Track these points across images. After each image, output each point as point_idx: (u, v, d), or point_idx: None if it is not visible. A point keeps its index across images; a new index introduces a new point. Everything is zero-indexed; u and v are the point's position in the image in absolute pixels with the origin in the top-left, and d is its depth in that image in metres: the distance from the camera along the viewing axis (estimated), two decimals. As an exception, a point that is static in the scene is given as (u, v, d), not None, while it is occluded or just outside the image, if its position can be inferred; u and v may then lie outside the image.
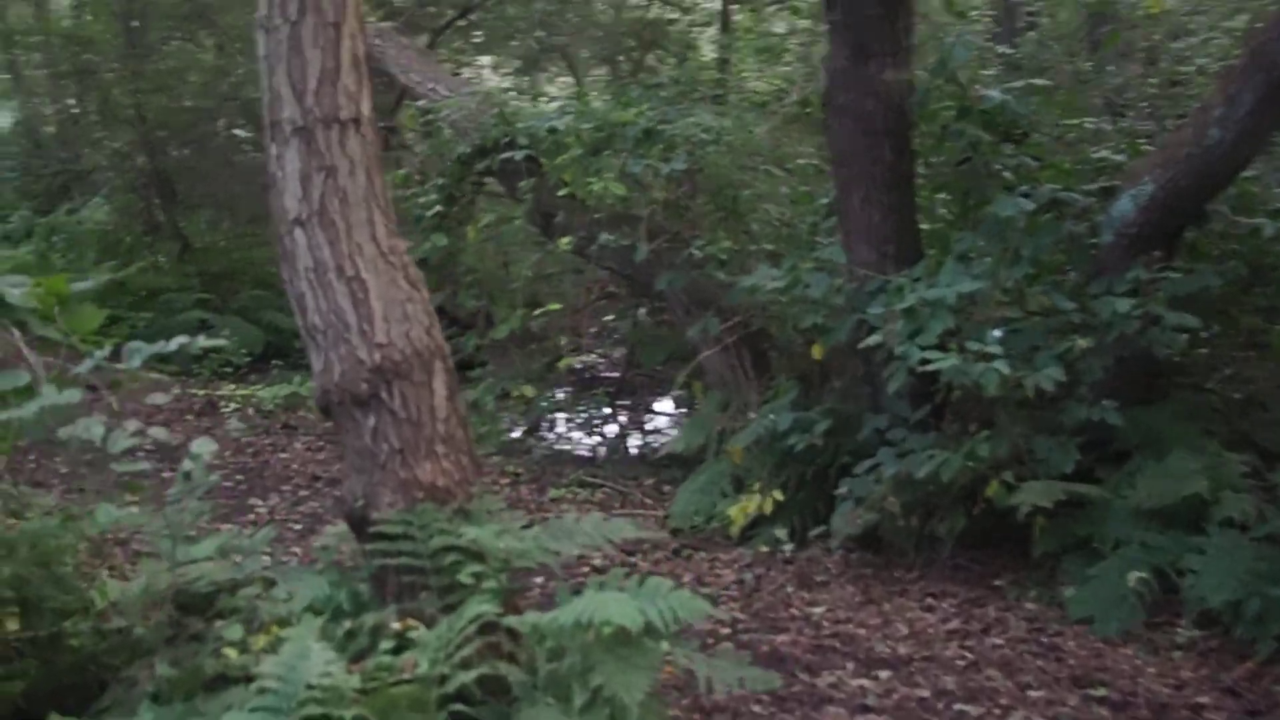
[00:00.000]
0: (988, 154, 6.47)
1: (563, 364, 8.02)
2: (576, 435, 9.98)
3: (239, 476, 8.56)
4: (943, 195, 7.29)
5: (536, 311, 7.91)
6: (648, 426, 10.23)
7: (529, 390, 8.23)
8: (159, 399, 10.08)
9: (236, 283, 13.92)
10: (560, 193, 7.77)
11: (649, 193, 7.81)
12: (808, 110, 7.24)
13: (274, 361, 12.09)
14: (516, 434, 9.58)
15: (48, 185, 17.43)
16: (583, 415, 9.83)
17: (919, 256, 6.61)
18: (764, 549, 6.74)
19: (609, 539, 4.38)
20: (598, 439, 9.85)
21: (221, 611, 4.59)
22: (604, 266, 8.38)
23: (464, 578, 3.92)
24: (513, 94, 8.60)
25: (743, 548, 6.86)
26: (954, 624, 5.72)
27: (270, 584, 4.73)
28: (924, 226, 7.10)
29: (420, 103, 8.97)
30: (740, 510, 6.83)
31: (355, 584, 4.30)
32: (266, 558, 5.34)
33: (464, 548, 4.05)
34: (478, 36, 15.03)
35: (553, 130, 8.09)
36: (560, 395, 9.77)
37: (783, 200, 7.98)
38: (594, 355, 11.18)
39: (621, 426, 9.96)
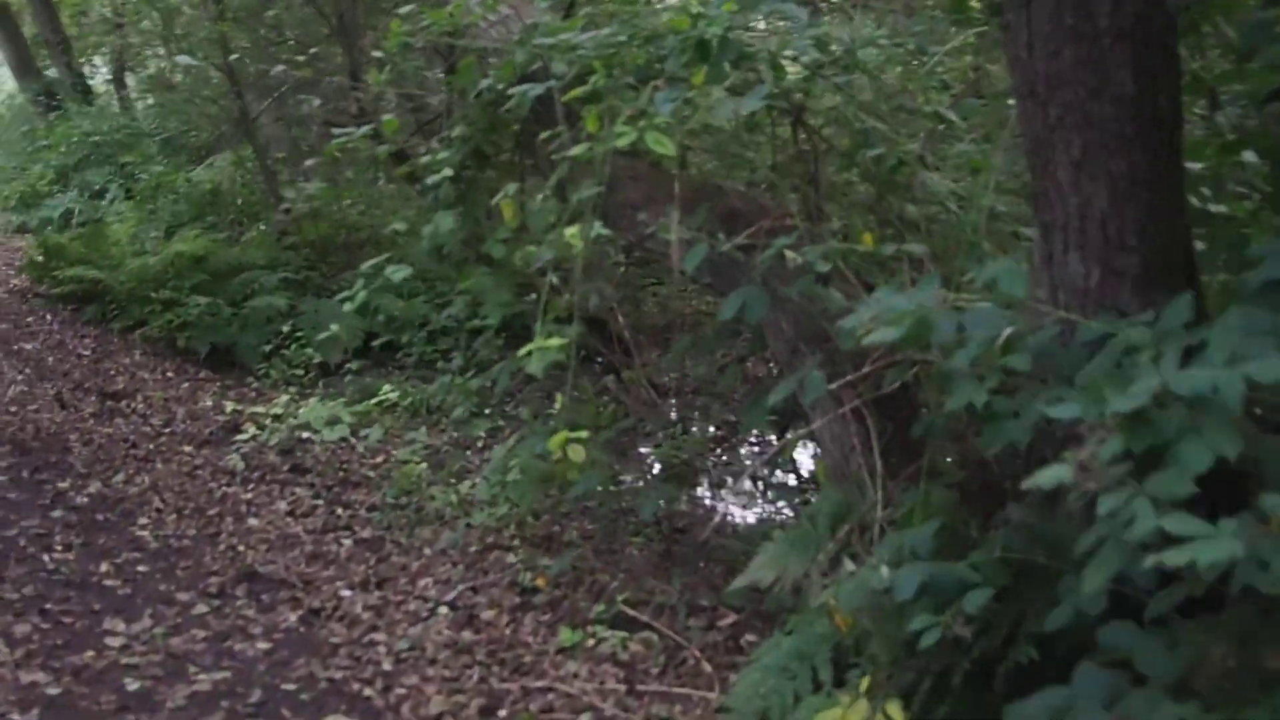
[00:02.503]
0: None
1: (603, 419, 5.02)
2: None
3: (140, 567, 5.85)
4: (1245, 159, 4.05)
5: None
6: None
7: (575, 452, 5.12)
8: (177, 411, 7.71)
9: (352, 256, 11.17)
10: (572, 152, 4.68)
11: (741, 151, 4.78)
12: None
13: (354, 364, 9.27)
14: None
15: (207, 140, 15.61)
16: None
17: (1189, 282, 3.42)
18: (865, 814, 3.65)
19: None
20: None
21: None
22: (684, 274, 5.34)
23: None
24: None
25: (832, 802, 3.78)
26: None
27: None
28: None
29: (404, 9, 5.89)
30: (832, 725, 3.77)
31: None
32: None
33: None
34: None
35: (613, 49, 4.95)
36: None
37: (960, 165, 4.78)
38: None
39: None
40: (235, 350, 9.82)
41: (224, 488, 6.97)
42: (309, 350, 9.47)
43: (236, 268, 10.60)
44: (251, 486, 6.99)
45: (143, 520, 6.41)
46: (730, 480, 7.22)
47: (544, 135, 5.18)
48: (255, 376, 9.48)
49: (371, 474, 7.23)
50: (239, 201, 12.44)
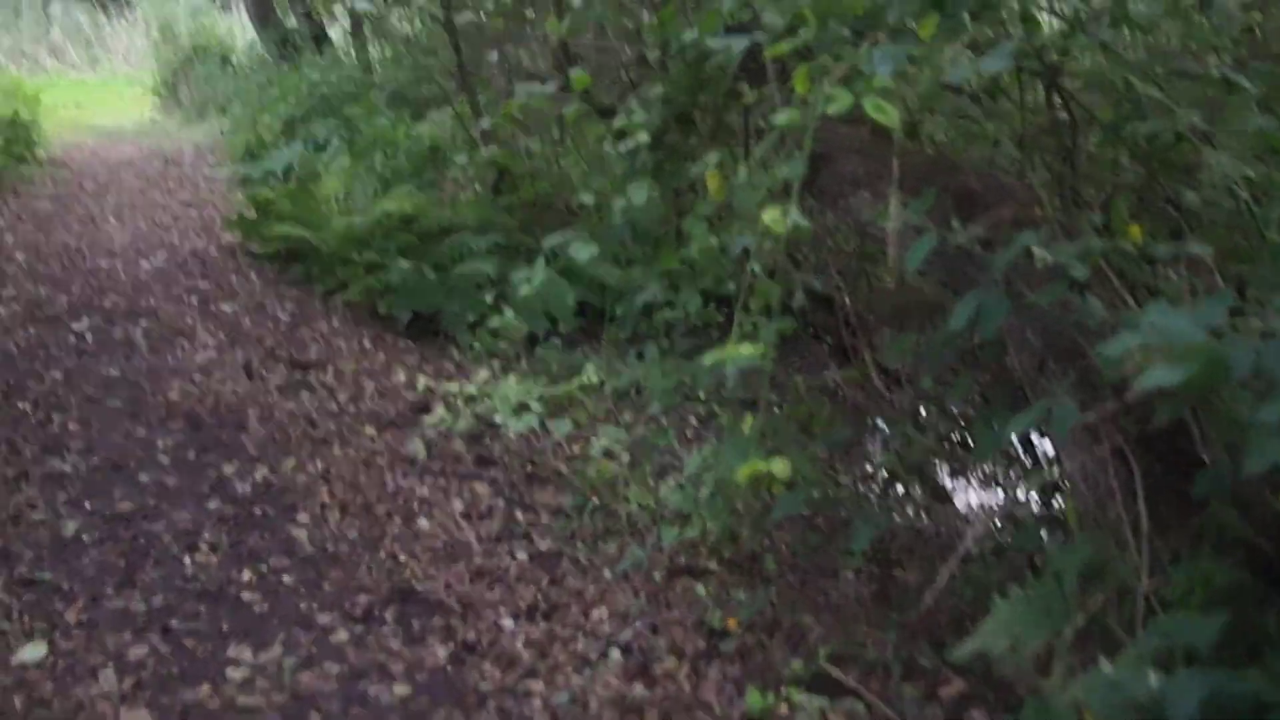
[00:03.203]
0: None
1: (818, 421, 4.35)
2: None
3: (285, 578, 5.26)
4: None
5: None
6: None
7: (780, 467, 4.31)
8: (366, 386, 7.16)
9: (571, 220, 10.44)
10: (777, 119, 3.86)
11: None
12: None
13: (557, 338, 8.55)
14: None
15: (437, 93, 15.12)
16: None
17: None
18: None
19: None
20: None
21: None
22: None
23: None
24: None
25: None
26: None
27: None
28: None
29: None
30: None
31: None
32: None
33: None
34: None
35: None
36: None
37: (1253, 144, 3.82)
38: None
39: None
40: (439, 319, 9.22)
41: (399, 480, 6.35)
42: (514, 321, 8.80)
43: (446, 229, 10.01)
44: (429, 479, 6.36)
45: (302, 517, 5.85)
46: (967, 492, 6.32)
47: (748, 98, 4.40)
48: (457, 347, 8.85)
49: (563, 468, 6.54)
50: (456, 159, 11.90)
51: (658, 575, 5.17)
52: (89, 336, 8.69)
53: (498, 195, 10.71)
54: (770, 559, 5.26)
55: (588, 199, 5.94)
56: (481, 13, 9.93)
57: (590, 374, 7.50)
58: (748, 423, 4.06)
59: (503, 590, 5.13)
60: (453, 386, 7.68)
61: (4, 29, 29.25)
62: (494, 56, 10.70)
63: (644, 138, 4.98)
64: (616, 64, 7.76)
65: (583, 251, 5.05)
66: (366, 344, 8.86)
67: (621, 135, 5.23)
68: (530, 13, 10.26)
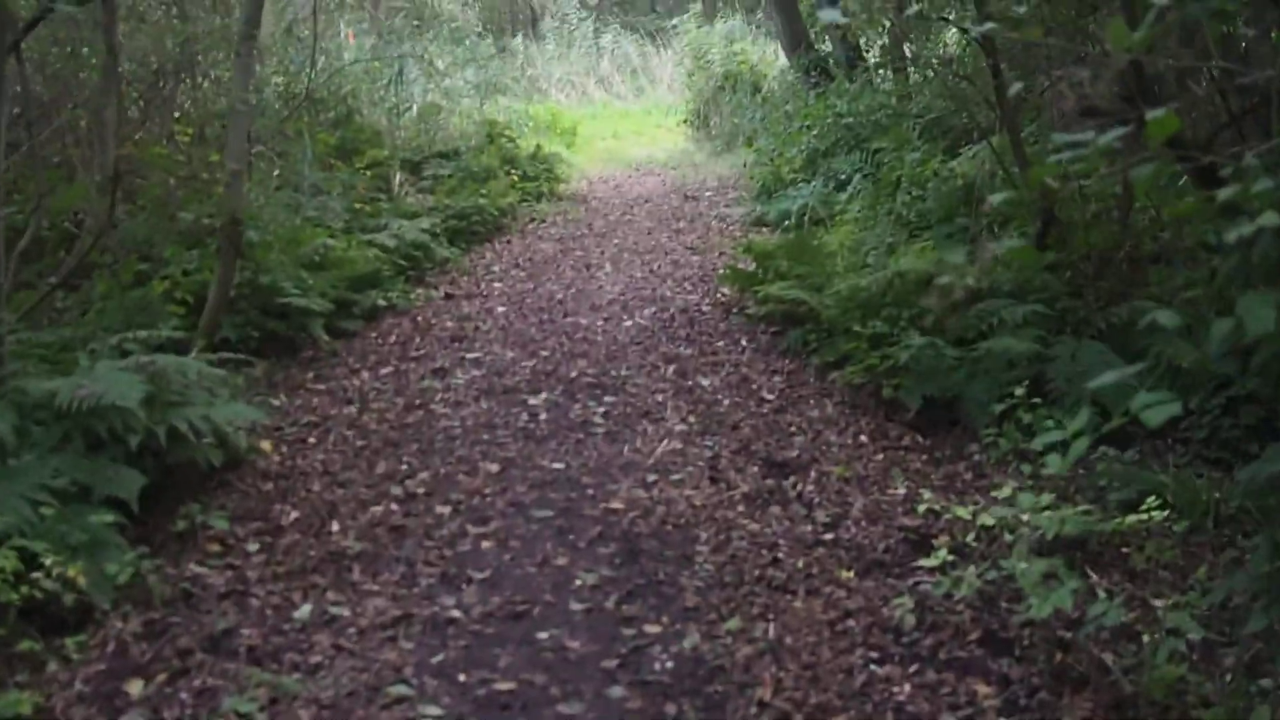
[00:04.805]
0: None
1: None
2: None
3: None
4: None
5: None
6: None
7: None
8: (854, 501, 5.43)
9: (1134, 278, 8.16)
10: None
11: None
12: None
13: (1110, 442, 6.44)
14: None
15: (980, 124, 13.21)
16: None
17: None
18: None
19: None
20: None
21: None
22: None
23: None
24: None
25: None
26: None
27: None
28: None
29: None
30: None
31: None
32: None
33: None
34: None
35: None
36: None
37: None
38: None
39: None
40: (957, 407, 7.32)
41: (873, 665, 4.59)
42: (1052, 419, 6.72)
43: (974, 294, 8.12)
44: (914, 669, 4.56)
45: (733, 723, 4.21)
46: None
47: None
48: (979, 445, 6.94)
49: (1109, 660, 4.55)
50: (993, 202, 9.94)
51: None
52: (543, 416, 7.45)
53: (1043, 250, 8.66)
54: None
55: (1168, 320, 3.80)
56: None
57: (1152, 505, 5.51)
58: None
59: None
60: (964, 511, 5.86)
61: (556, 60, 29.57)
62: (1045, 82, 8.77)
63: (1273, 218, 2.99)
64: (1209, 92, 5.67)
65: (1156, 414, 3.12)
66: (863, 438, 7.14)
67: (1231, 212, 3.23)
68: (1093, 24, 8.23)
